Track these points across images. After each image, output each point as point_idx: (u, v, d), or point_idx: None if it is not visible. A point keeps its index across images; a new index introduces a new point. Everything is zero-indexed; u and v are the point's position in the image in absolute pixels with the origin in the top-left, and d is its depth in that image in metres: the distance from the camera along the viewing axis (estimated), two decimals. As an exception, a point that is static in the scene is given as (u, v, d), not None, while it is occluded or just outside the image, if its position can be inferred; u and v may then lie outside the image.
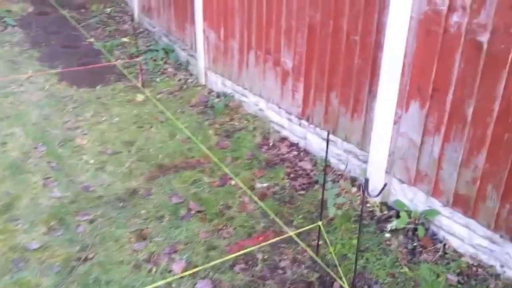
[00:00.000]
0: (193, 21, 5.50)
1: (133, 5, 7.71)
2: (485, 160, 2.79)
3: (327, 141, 2.70)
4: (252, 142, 4.36)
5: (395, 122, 3.29)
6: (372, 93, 3.44)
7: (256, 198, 3.54)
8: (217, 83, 5.32)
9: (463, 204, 2.97)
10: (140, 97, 5.21)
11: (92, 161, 4.01)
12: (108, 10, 8.16)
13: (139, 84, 5.35)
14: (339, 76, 3.67)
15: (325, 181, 2.90)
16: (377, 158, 3.47)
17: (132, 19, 7.78)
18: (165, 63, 6.18)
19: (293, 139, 4.34)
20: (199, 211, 3.42)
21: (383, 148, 3.40)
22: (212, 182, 3.79)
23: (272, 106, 4.52)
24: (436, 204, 3.15)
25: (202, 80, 5.57)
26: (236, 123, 4.72)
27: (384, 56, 3.20)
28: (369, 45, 3.36)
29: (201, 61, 5.50)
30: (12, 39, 6.75)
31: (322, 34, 3.73)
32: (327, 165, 3.98)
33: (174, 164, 4.01)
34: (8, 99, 5.01)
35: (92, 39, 6.93)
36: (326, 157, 2.83)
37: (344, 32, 3.52)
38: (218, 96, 5.20)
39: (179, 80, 5.72)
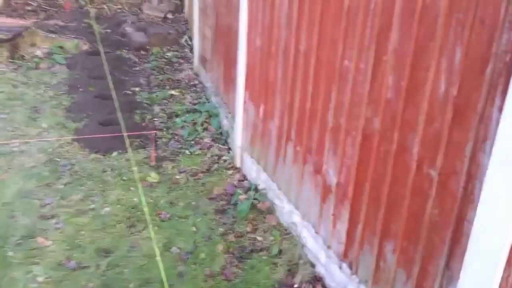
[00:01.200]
0: (235, 86, 4.36)
1: (195, 52, 6.81)
2: None
3: None
4: (270, 278, 3.03)
5: None
6: (450, 272, 1.99)
7: None
8: (252, 170, 4.08)
9: None
10: (152, 178, 4.12)
11: (41, 279, 2.92)
12: (169, 54, 7.35)
13: (152, 163, 4.26)
14: (401, 222, 2.26)
15: None
16: None
17: (191, 68, 6.88)
18: (205, 129, 5.09)
19: (330, 284, 2.94)
20: None
21: None
22: None
23: (308, 226, 3.17)
24: None
25: (237, 162, 4.37)
26: (259, 238, 3.43)
27: (477, 224, 1.76)
28: (454, 192, 1.93)
29: (238, 138, 4.32)
30: (52, 80, 6.09)
31: (380, 150, 2.36)
32: None
33: (146, 303, 2.80)
34: (-2, 162, 4.18)
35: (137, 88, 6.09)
36: None
37: (414, 157, 2.13)
38: (248, 190, 3.95)
39: (212, 156, 4.56)
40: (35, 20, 8.11)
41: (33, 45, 6.99)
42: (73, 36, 7.17)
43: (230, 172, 4.29)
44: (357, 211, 2.61)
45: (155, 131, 4.08)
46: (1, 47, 6.64)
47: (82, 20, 8.17)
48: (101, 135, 4.44)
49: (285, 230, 3.45)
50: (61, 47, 6.92)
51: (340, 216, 2.77)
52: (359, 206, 2.58)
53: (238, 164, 4.36)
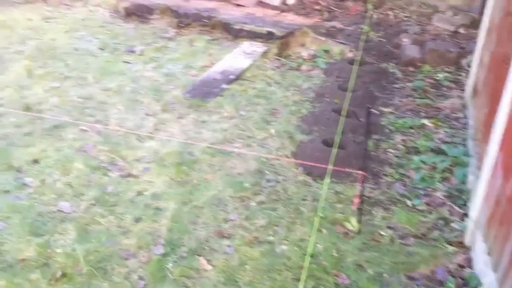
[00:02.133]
0: (490, 139, 3.20)
1: (470, 78, 5.59)
2: None
3: None
4: None
5: None
6: None
7: None
8: (479, 260, 2.94)
9: None
10: (351, 225, 3.41)
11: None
12: (440, 76, 6.26)
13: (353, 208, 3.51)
14: None
15: None
16: None
17: (461, 97, 5.69)
18: (444, 179, 4.02)
19: None
20: None
21: None
22: None
23: None
24: None
25: (467, 239, 3.25)
26: None
27: None
28: None
29: (475, 208, 3.19)
30: (304, 84, 5.88)
31: None
32: None
33: None
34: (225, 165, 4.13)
35: (389, 109, 5.35)
36: None
37: None
38: (464, 286, 2.85)
39: (437, 218, 3.53)
40: (317, 19, 8.12)
41: (302, 45, 6.97)
42: (340, 41, 6.84)
43: (451, 249, 3.22)
44: None
45: (363, 173, 3.34)
46: (272, 43, 6.84)
47: (361, 25, 7.78)
48: (302, 162, 3.95)
49: None
50: (326, 51, 6.68)
51: None
52: None
53: (466, 242, 3.24)
